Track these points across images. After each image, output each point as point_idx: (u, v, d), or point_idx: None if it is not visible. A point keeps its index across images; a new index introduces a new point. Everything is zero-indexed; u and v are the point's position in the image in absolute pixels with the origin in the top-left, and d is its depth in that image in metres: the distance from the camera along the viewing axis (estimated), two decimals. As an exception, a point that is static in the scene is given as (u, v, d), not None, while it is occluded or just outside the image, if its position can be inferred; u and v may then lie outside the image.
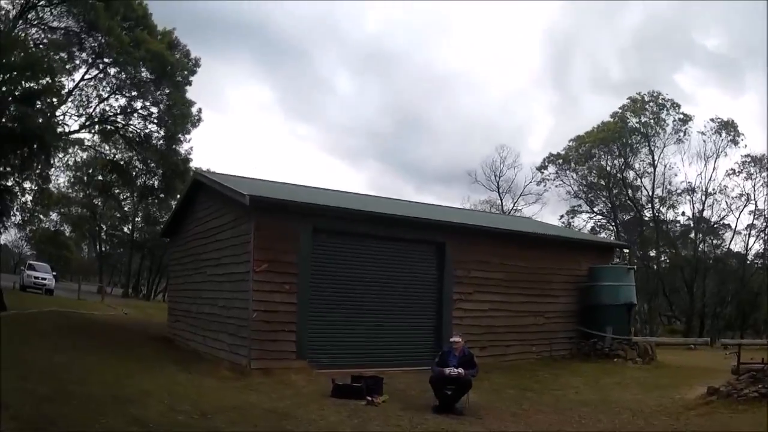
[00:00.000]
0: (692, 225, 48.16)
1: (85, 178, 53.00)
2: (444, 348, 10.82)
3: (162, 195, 37.97)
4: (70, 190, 56.65)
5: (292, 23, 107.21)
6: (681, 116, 46.23)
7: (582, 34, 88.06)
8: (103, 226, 61.22)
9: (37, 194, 38.10)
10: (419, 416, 9.40)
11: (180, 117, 29.68)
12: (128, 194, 54.59)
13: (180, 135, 30.77)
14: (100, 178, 48.54)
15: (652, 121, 46.57)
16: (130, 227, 58.37)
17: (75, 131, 32.27)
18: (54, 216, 62.17)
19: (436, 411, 9.78)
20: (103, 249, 64.40)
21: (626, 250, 32.96)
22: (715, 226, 47.97)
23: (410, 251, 15.09)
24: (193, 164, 32.57)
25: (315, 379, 12.02)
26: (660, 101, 46.59)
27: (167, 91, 29.63)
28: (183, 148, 32.12)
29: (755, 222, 46.53)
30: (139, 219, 57.39)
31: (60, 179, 51.04)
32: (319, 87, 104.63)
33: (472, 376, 10.06)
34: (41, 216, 59.45)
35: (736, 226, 47.54)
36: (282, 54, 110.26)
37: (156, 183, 36.69)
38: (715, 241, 49.60)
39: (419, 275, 15.10)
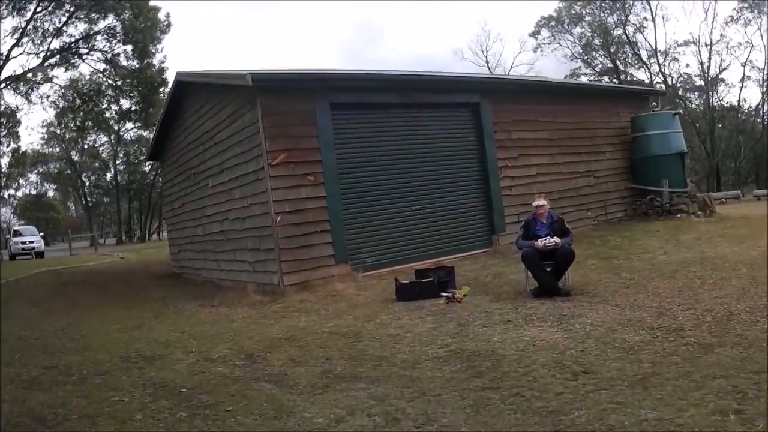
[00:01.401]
0: (702, 75, 46.29)
1: (59, 130, 51.06)
2: (528, 217, 8.51)
3: (141, 113, 35.64)
4: (45, 146, 55.04)
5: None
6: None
7: None
8: (86, 180, 59.14)
9: (12, 156, 36.12)
10: (522, 305, 7.26)
11: (147, 26, 26.92)
12: (105, 139, 52.81)
13: (150, 46, 28.25)
14: (72, 126, 46.63)
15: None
16: (113, 172, 56.14)
17: (37, 66, 30.26)
18: (33, 177, 60.44)
19: (538, 295, 7.65)
20: (89, 201, 62.34)
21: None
22: (718, 78, 46.67)
23: (443, 117, 12.62)
24: (169, 74, 30.32)
25: (365, 284, 9.95)
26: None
27: (128, 4, 26.85)
28: (156, 60, 30.24)
29: (750, 73, 45.54)
30: (120, 162, 55.23)
31: (32, 136, 50.51)
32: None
33: (568, 245, 7.92)
34: (19, 179, 57.63)
35: (744, 76, 46.36)
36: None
37: (132, 105, 34.51)
38: (718, 97, 48.55)
39: (457, 144, 12.76)
